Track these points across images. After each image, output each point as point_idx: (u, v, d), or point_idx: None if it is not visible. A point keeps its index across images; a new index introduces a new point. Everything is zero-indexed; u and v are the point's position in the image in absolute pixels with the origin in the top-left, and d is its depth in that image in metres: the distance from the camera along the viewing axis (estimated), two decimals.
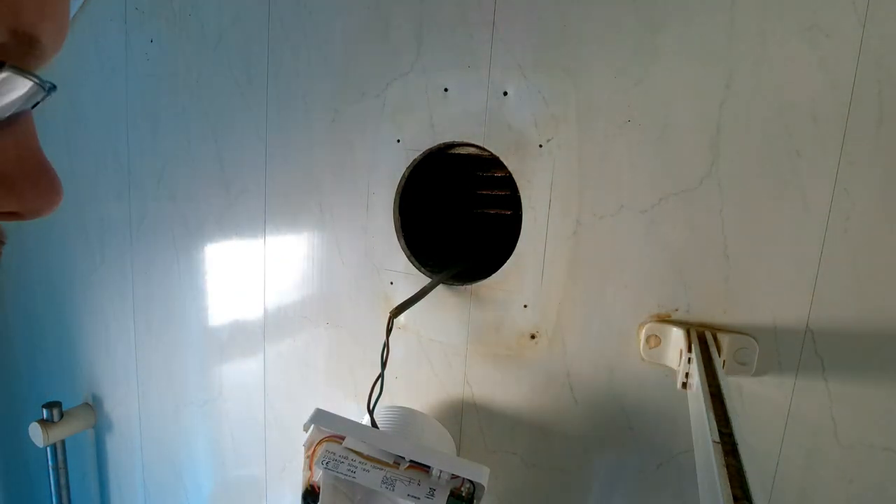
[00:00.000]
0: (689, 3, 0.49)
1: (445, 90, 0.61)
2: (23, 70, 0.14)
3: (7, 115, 0.15)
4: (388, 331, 0.51)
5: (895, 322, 0.45)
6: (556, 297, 0.58)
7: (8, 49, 0.15)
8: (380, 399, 0.51)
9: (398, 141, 0.65)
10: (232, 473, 0.89)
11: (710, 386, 0.40)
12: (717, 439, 0.33)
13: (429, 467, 0.46)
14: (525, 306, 0.60)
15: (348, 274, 0.71)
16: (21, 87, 0.14)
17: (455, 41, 0.60)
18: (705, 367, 0.43)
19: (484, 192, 0.73)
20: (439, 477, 0.46)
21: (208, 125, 0.80)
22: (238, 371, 0.84)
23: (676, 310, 0.53)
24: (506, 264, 0.60)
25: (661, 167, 0.52)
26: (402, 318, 0.67)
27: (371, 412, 0.52)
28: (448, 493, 0.45)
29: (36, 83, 0.15)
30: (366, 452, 0.48)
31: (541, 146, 0.57)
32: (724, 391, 0.39)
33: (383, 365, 0.50)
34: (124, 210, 0.93)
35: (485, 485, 0.45)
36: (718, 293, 0.51)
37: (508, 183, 0.61)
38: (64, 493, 1.07)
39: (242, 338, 0.83)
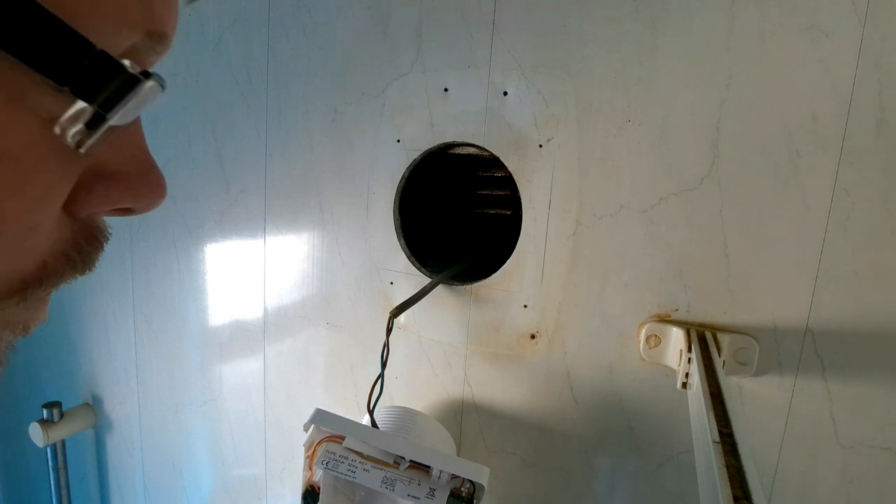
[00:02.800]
0: (689, 2, 0.49)
1: (445, 90, 0.61)
2: (161, 79, 0.15)
3: (134, 118, 0.16)
4: (388, 331, 0.51)
5: (895, 322, 0.45)
6: (556, 297, 0.58)
7: (139, 49, 0.16)
8: (380, 399, 0.51)
9: (398, 141, 0.65)
10: (232, 473, 0.89)
11: (710, 386, 0.40)
12: (717, 439, 0.33)
13: (429, 467, 0.46)
14: (525, 306, 0.60)
15: (348, 274, 0.71)
16: (154, 93, 0.15)
17: (455, 41, 0.60)
18: (705, 367, 0.43)
19: (484, 192, 0.73)
20: (439, 477, 0.46)
21: (208, 125, 0.80)
22: (238, 371, 0.84)
23: (676, 310, 0.53)
24: (506, 264, 0.60)
25: (661, 167, 0.52)
26: (402, 318, 0.67)
27: (371, 412, 0.52)
28: (448, 493, 0.45)
29: (161, 87, 0.15)
30: (366, 452, 0.48)
31: (541, 146, 0.57)
32: (724, 391, 0.39)
33: (383, 365, 0.50)
34: None
35: (485, 485, 0.45)
36: (718, 293, 0.51)
37: (508, 183, 0.61)
38: (64, 493, 1.07)
39: (242, 338, 0.83)
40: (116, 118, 0.14)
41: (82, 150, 0.14)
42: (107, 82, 0.14)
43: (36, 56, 0.12)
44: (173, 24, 0.17)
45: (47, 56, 0.13)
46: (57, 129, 0.14)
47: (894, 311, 0.45)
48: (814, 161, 0.46)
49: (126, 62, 0.14)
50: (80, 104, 0.14)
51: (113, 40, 0.14)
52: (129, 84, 0.14)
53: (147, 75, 0.15)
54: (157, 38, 0.16)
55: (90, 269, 0.18)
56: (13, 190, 0.14)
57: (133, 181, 0.18)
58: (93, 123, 0.14)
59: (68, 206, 0.16)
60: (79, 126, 0.14)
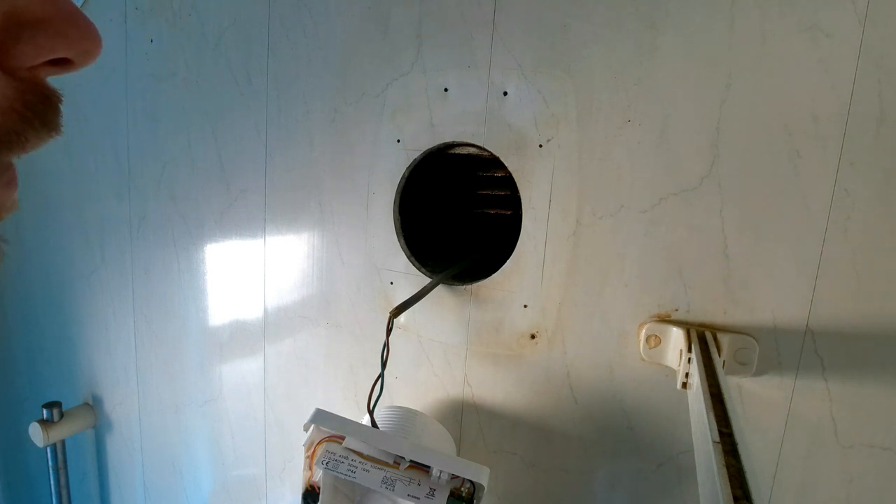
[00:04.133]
0: (689, 2, 0.49)
1: (445, 90, 0.61)
2: None
3: None
4: (388, 331, 0.51)
5: (895, 322, 0.45)
6: (556, 297, 0.58)
7: None
8: (380, 399, 0.51)
9: (398, 141, 0.65)
10: (232, 473, 0.89)
11: (710, 386, 0.40)
12: (717, 439, 0.33)
13: (429, 467, 0.46)
14: (525, 306, 0.60)
15: (348, 274, 0.71)
16: None
17: (455, 41, 0.60)
18: (705, 367, 0.43)
19: (484, 192, 0.73)
20: (439, 477, 0.46)
21: (208, 125, 0.80)
22: (238, 371, 0.84)
23: (676, 310, 0.53)
24: (506, 264, 0.60)
25: (661, 167, 0.52)
26: (402, 318, 0.67)
27: (371, 412, 0.52)
28: (448, 493, 0.45)
29: None
30: (366, 452, 0.48)
31: (541, 146, 0.57)
32: (724, 391, 0.39)
33: (383, 365, 0.50)
34: (124, 210, 0.93)
35: (485, 485, 0.45)
36: (718, 293, 0.51)
37: (508, 183, 0.61)
38: (64, 493, 1.07)
39: (242, 338, 0.83)
40: None
41: None
42: None
43: None
44: None
45: None
46: None
47: (894, 311, 0.45)
48: (814, 161, 0.46)
49: None
50: None
51: None
52: None
53: None
54: None
55: (54, 132, 0.18)
56: None
57: (59, 25, 0.17)
58: None
59: (1, 62, 0.16)
60: None
